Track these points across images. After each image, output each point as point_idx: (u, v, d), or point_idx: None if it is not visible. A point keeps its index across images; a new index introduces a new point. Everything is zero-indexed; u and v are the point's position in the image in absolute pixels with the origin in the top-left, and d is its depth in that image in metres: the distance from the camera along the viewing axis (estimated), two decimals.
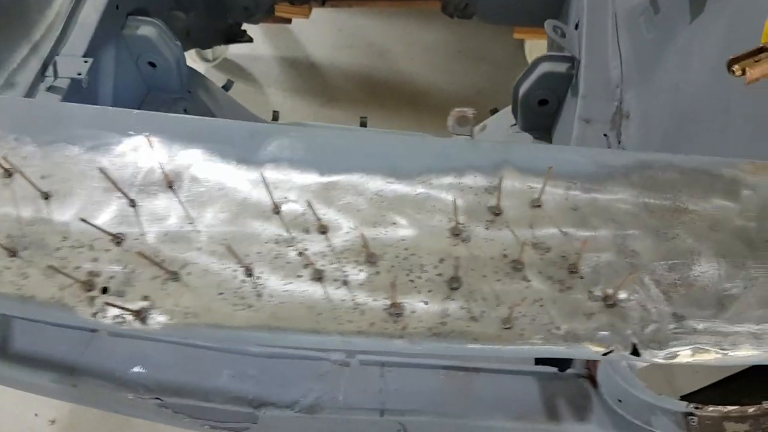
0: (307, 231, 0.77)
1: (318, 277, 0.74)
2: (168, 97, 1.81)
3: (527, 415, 1.03)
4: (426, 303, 0.71)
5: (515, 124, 1.79)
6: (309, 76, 2.90)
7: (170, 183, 0.81)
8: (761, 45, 0.77)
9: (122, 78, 1.67)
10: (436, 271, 0.73)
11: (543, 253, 0.74)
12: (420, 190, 0.79)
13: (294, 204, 0.79)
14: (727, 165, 0.80)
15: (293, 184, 0.80)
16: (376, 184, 0.80)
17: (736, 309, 0.70)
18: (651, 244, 0.74)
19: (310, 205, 0.77)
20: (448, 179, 0.80)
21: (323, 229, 0.76)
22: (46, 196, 0.82)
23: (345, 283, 0.73)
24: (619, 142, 1.53)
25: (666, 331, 0.68)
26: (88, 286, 0.76)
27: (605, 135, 1.47)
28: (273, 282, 0.74)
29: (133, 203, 0.80)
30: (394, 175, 0.80)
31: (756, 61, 0.76)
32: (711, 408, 0.90)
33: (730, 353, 0.67)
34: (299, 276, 0.74)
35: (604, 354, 0.68)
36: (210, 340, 0.73)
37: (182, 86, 1.81)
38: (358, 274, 0.74)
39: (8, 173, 0.84)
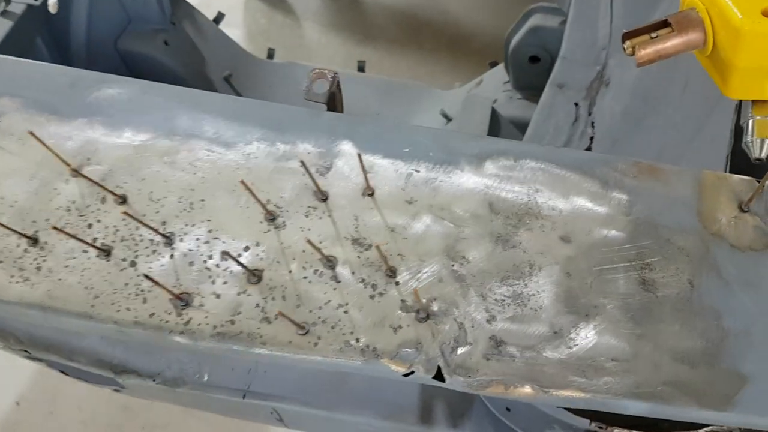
0: (103, 200, 0.67)
1: (105, 253, 0.65)
2: (148, 28, 1.66)
3: (397, 415, 0.95)
4: (218, 296, 0.62)
5: (508, 81, 1.65)
6: (349, 11, 2.73)
7: None
8: (665, 18, 0.63)
9: (99, 4, 1.53)
10: (239, 260, 0.64)
11: (362, 250, 0.64)
12: (241, 162, 0.69)
13: (98, 167, 0.69)
14: (605, 164, 0.68)
15: (101, 144, 0.70)
16: (193, 152, 0.69)
17: (569, 340, 0.60)
18: (486, 251, 0.63)
19: (111, 170, 0.68)
20: (275, 152, 0.69)
21: (121, 199, 0.67)
22: None
23: (133, 264, 0.64)
24: (590, 114, 1.39)
25: (478, 357, 0.59)
26: None
27: (576, 104, 1.33)
28: (56, 255, 0.65)
29: None
30: (217, 142, 0.70)
31: (652, 38, 0.62)
32: (617, 430, 0.81)
33: (553, 392, 0.58)
34: (85, 251, 0.65)
35: (405, 375, 0.59)
36: None
37: (164, 16, 1.65)
38: (149, 255, 0.65)
39: None
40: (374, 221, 0.65)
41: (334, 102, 0.75)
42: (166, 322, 0.62)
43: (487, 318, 0.60)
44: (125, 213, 0.61)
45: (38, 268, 0.65)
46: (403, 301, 0.61)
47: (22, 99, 0.74)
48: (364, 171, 0.66)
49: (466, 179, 0.67)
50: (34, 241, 0.66)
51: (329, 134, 0.70)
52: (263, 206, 0.64)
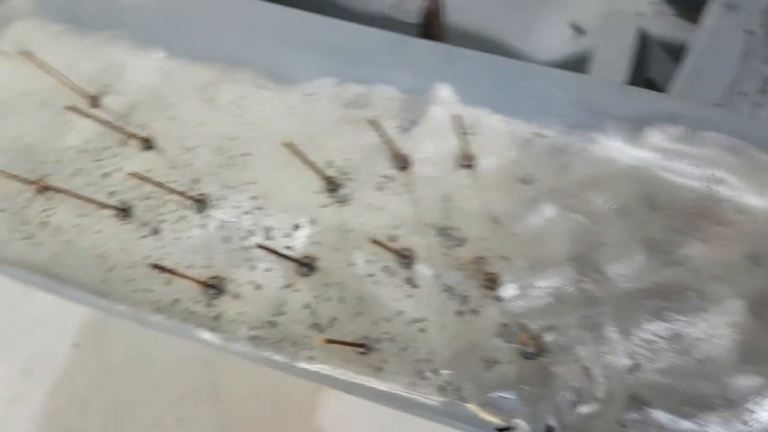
0: (124, 142, 0.52)
1: (124, 213, 0.51)
2: None
3: None
4: (258, 286, 0.48)
5: None
6: None
7: None
8: None
9: None
10: (286, 242, 0.48)
11: (452, 245, 0.46)
12: (298, 105, 0.51)
13: (120, 98, 0.54)
14: None
15: (126, 68, 0.55)
16: (238, 85, 0.52)
17: (748, 413, 0.41)
18: (636, 265, 0.44)
19: (135, 103, 0.52)
20: (344, 93, 0.51)
21: (146, 144, 0.52)
22: None
23: (156, 231, 0.50)
24: None
25: (610, 422, 0.41)
26: None
27: (749, 32, 1.04)
28: (65, 209, 0.52)
29: None
30: (270, 74, 0.52)
31: None
32: None
33: None
34: (100, 206, 0.51)
35: (498, 430, 0.43)
36: None
37: None
38: (176, 221, 0.50)
39: None
40: (471, 205, 0.47)
41: (431, 22, 0.55)
42: (193, 312, 0.48)
43: (629, 366, 0.42)
44: (134, 175, 0.46)
45: (44, 223, 0.52)
46: (504, 325, 0.44)
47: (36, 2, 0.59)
48: (463, 131, 0.47)
49: (614, 154, 0.46)
50: (41, 189, 0.53)
51: (420, 72, 0.51)
52: (321, 174, 0.47)
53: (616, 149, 0.46)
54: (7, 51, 0.58)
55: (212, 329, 0.48)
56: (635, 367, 0.42)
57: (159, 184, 0.47)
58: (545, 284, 0.44)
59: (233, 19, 0.55)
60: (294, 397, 1.91)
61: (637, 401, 0.41)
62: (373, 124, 0.42)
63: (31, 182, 0.52)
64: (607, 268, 0.44)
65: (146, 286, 0.49)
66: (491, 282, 0.45)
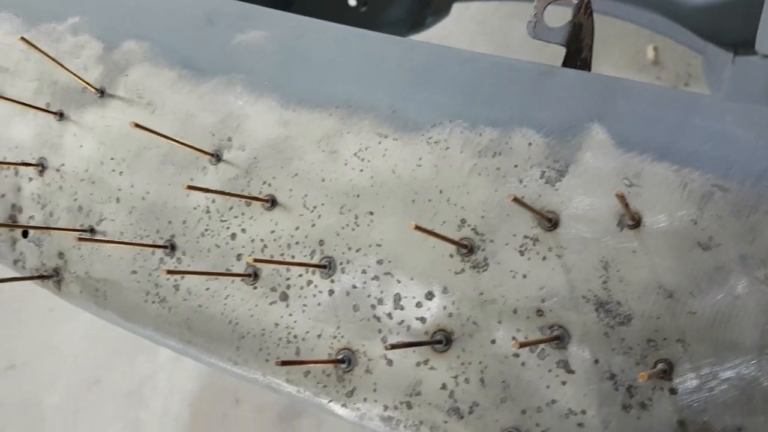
0: (248, 202, 0.51)
1: (252, 277, 0.50)
2: None
3: None
4: (390, 362, 0.45)
5: None
6: None
7: (101, 92, 0.59)
8: None
9: None
10: (418, 312, 0.45)
11: (613, 324, 0.40)
12: (426, 157, 0.46)
13: (241, 153, 0.52)
14: None
15: (245, 119, 0.52)
16: (360, 135, 0.48)
17: None
18: None
19: (257, 159, 0.50)
20: (476, 139, 0.45)
21: (269, 203, 0.50)
22: None
23: (285, 297, 0.49)
24: None
25: None
26: (11, 224, 0.61)
27: None
28: (196, 269, 0.52)
29: (60, 116, 0.60)
30: (394, 120, 0.48)
31: None
32: None
33: None
34: (228, 269, 0.50)
35: None
36: (117, 325, 0.56)
37: None
38: (304, 286, 0.48)
39: None
40: (638, 274, 0.40)
41: (579, 44, 0.47)
42: (325, 386, 0.46)
43: None
44: (255, 260, 0.43)
45: (176, 287, 0.53)
46: (680, 422, 0.38)
47: (150, 44, 0.58)
48: (627, 182, 0.40)
49: None
50: (170, 249, 0.53)
51: (569, 109, 0.44)
52: (452, 242, 0.43)
53: None
54: (123, 98, 0.58)
55: (345, 405, 0.46)
56: None
57: (282, 263, 0.45)
58: (732, 375, 0.37)
59: (352, 58, 0.51)
60: None
61: None
62: (515, 200, 0.37)
63: (160, 246, 0.53)
64: None
65: (277, 355, 0.48)
66: (665, 372, 0.38)
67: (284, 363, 0.41)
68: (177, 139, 0.50)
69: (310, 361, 0.44)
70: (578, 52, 0.49)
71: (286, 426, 1.95)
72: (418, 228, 0.38)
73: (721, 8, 1.00)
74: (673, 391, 0.38)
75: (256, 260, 0.44)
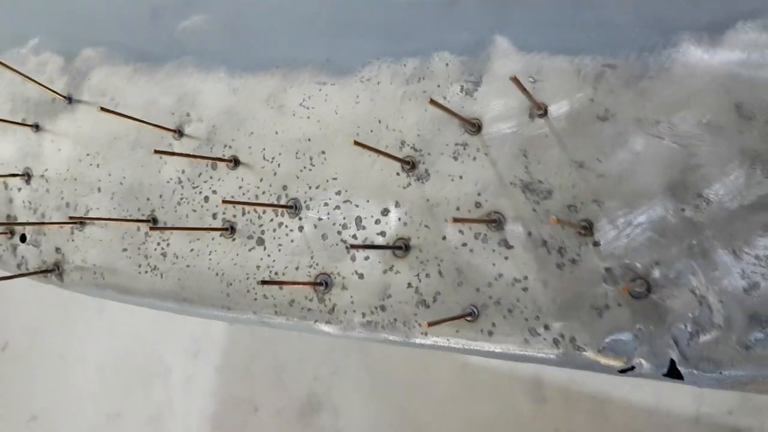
0: (214, 165, 0.57)
1: (229, 231, 0.56)
2: None
3: None
4: (361, 276, 0.51)
5: None
6: None
7: (68, 98, 0.65)
8: None
9: None
10: (378, 228, 0.51)
11: (538, 200, 0.46)
12: (362, 94, 0.53)
13: (200, 125, 0.58)
14: None
15: (198, 94, 0.59)
16: (302, 87, 0.55)
17: None
18: (737, 182, 0.42)
19: (215, 126, 0.57)
20: (401, 70, 0.52)
21: (232, 162, 0.56)
22: None
23: (261, 242, 0.55)
24: None
25: (732, 345, 0.41)
26: (9, 233, 0.67)
27: None
28: (178, 238, 0.58)
29: (36, 128, 0.66)
30: (328, 69, 0.54)
31: None
32: None
33: None
34: (207, 230, 0.57)
35: (621, 371, 0.44)
36: (116, 301, 0.62)
37: None
38: (276, 229, 0.54)
39: None
40: (552, 154, 0.47)
41: None
42: (310, 310, 0.53)
43: (745, 286, 0.41)
44: (224, 201, 0.50)
45: (163, 254, 0.59)
46: (607, 269, 0.44)
47: (105, 47, 0.64)
48: (529, 79, 0.46)
49: (695, 69, 0.44)
50: (153, 221, 0.59)
51: (472, 29, 0.51)
52: (395, 158, 0.49)
53: (696, 63, 0.44)
54: (89, 102, 0.64)
55: (329, 322, 0.52)
56: (752, 287, 0.41)
57: (250, 204, 0.52)
58: (643, 220, 0.44)
59: (288, 20, 0.57)
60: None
61: (759, 320, 0.40)
62: (432, 103, 0.43)
63: (143, 221, 0.59)
64: (706, 191, 0.42)
65: (263, 294, 0.54)
66: (586, 228, 0.45)
67: (264, 282, 0.47)
68: (139, 119, 0.56)
69: (288, 282, 0.50)
70: None
71: (306, 422, 2.01)
72: (357, 143, 0.44)
73: None
74: (596, 244, 0.45)
75: (224, 201, 0.50)
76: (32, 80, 0.62)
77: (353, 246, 0.46)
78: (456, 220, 0.43)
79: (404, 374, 1.93)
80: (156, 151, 0.52)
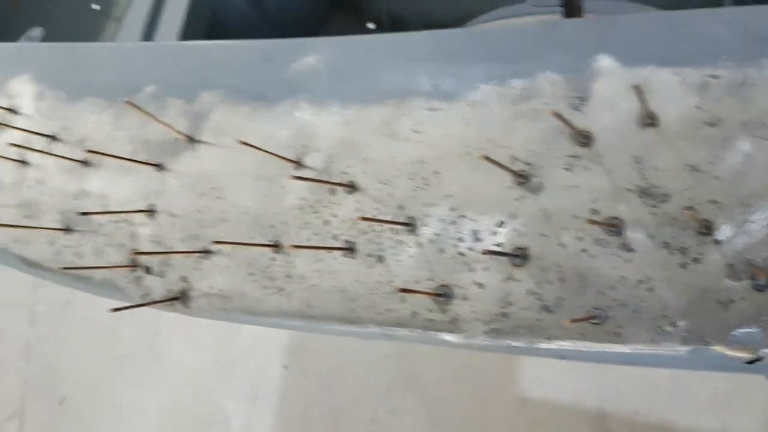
0: (333, 191, 0.62)
1: (350, 251, 0.60)
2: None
3: None
4: (481, 285, 0.54)
5: None
6: None
7: (190, 138, 0.71)
8: None
9: None
10: (494, 240, 0.55)
11: (656, 203, 0.49)
12: (471, 116, 0.57)
13: (317, 155, 0.64)
14: None
15: (314, 127, 0.64)
16: (412, 114, 0.60)
17: None
18: None
19: (332, 156, 0.62)
20: (509, 92, 0.56)
21: (350, 188, 0.61)
22: (86, 164, 0.79)
23: (380, 259, 0.59)
24: None
25: None
26: (133, 265, 0.73)
27: None
28: (303, 259, 0.63)
29: (159, 167, 0.73)
30: (437, 95, 0.59)
31: None
32: None
33: None
34: (329, 251, 0.61)
35: (748, 362, 0.46)
36: (246, 324, 0.67)
37: None
38: (394, 246, 0.58)
39: (54, 138, 0.82)
40: (665, 160, 0.50)
41: (570, 4, 0.58)
42: (432, 321, 0.56)
43: None
44: (362, 218, 0.54)
45: (288, 276, 0.63)
46: (729, 265, 0.46)
47: (222, 90, 0.71)
48: (640, 93, 0.50)
49: None
50: (277, 247, 0.64)
51: (576, 51, 0.55)
52: (508, 169, 0.53)
53: None
54: (210, 141, 0.71)
55: (452, 331, 0.56)
56: None
57: (383, 221, 0.56)
58: (760, 216, 0.46)
59: (392, 55, 0.62)
60: (491, 369, 2.00)
61: None
62: (554, 114, 0.47)
63: (269, 245, 0.64)
64: None
65: (386, 307, 0.58)
66: (706, 228, 0.47)
67: (403, 290, 0.51)
68: (264, 150, 0.62)
69: (417, 290, 0.54)
70: (571, 11, 0.60)
71: None
72: (485, 158, 0.48)
73: None
74: (717, 242, 0.47)
75: (363, 218, 0.54)
76: (160, 121, 0.68)
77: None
78: (590, 221, 0.47)
79: (463, 411, 1.93)
80: (294, 177, 0.57)
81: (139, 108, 0.67)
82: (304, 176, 0.61)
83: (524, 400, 1.79)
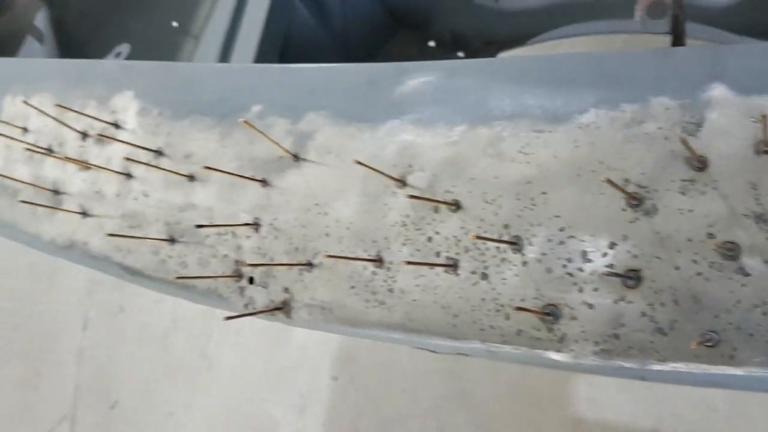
0: (436, 209, 0.64)
1: (453, 267, 0.62)
2: None
3: None
4: (591, 306, 0.55)
5: None
6: None
7: (295, 157, 0.75)
8: None
9: None
10: (605, 261, 0.56)
11: None
12: (581, 138, 0.59)
13: (421, 174, 0.66)
14: None
15: (419, 147, 0.67)
16: (519, 136, 0.61)
17: None
18: None
19: (436, 175, 0.64)
20: (620, 116, 0.57)
21: (454, 206, 0.63)
22: (191, 179, 0.83)
23: (485, 276, 0.61)
24: None
25: None
26: (237, 276, 0.77)
27: None
28: (404, 274, 0.65)
29: (264, 183, 0.77)
30: (545, 118, 0.61)
31: None
32: None
33: None
34: (431, 267, 0.63)
35: None
36: (346, 335, 0.69)
37: None
38: (499, 264, 0.60)
39: (159, 154, 0.87)
40: None
41: (678, 31, 0.59)
42: (538, 339, 0.57)
43: None
44: (477, 237, 0.56)
45: (390, 290, 0.66)
46: None
47: (327, 111, 0.74)
48: (755, 119, 0.50)
49: None
50: (378, 262, 0.67)
51: (688, 78, 0.56)
52: (622, 190, 0.54)
53: None
54: (315, 159, 0.74)
55: (559, 350, 0.57)
56: None
57: (493, 240, 0.58)
58: None
59: (499, 79, 0.64)
60: (543, 389, 1.97)
61: None
62: (682, 141, 0.48)
63: (370, 260, 0.66)
64: None
65: (490, 324, 0.60)
66: None
67: (520, 309, 0.53)
68: (370, 166, 0.65)
69: (530, 309, 0.55)
70: (678, 37, 0.61)
71: None
72: (609, 182, 0.50)
73: (748, 2, 1.10)
74: None
75: (477, 237, 0.56)
76: (271, 140, 0.72)
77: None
78: (715, 246, 0.47)
79: (514, 431, 1.91)
80: (411, 196, 0.60)
81: (254, 127, 0.71)
82: (415, 195, 0.63)
83: (578, 421, 1.76)
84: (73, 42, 1.66)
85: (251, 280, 0.76)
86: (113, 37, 1.58)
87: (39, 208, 1.00)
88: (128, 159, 0.88)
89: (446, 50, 1.70)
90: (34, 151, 0.98)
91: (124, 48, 1.50)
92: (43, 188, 0.99)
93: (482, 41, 1.70)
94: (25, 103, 0.98)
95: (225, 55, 1.28)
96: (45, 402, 3.38)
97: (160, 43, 1.51)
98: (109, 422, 3.02)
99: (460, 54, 1.67)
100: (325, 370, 2.44)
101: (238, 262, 0.78)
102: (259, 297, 0.75)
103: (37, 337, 3.55)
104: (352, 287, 0.68)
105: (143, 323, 3.11)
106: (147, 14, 1.60)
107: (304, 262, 0.72)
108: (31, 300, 3.68)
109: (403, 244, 0.66)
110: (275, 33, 1.31)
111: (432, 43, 1.68)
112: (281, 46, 1.37)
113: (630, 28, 1.32)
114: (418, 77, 0.69)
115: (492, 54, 1.68)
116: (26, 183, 1.02)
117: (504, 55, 1.37)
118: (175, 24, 1.48)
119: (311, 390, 2.44)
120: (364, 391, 2.30)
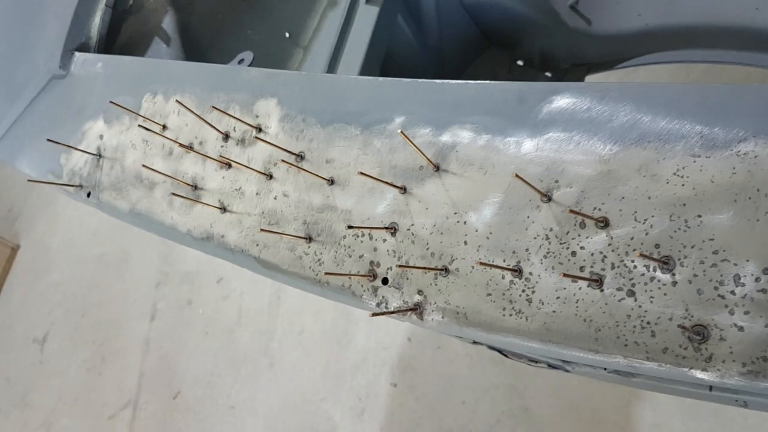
0: (582, 225, 0.67)
1: (597, 283, 0.65)
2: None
3: None
4: (741, 328, 0.57)
5: None
6: None
7: (437, 167, 0.80)
8: None
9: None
10: (758, 285, 0.57)
11: None
12: (739, 166, 0.61)
13: (568, 190, 0.70)
14: None
15: (566, 164, 0.70)
16: (674, 159, 0.64)
17: None
18: None
19: (584, 191, 0.68)
20: None
21: (602, 223, 0.66)
22: (331, 182, 0.90)
23: (631, 293, 0.63)
24: None
25: None
26: (371, 276, 0.82)
27: None
28: (544, 286, 0.68)
29: (403, 190, 0.82)
30: (702, 145, 0.63)
31: None
32: None
33: None
34: (574, 280, 0.66)
35: None
36: (479, 340, 0.73)
37: None
38: (648, 282, 0.63)
39: (301, 157, 0.94)
40: None
41: None
42: (684, 357, 0.59)
43: None
44: (641, 255, 0.59)
45: (529, 300, 0.69)
46: None
47: (472, 125, 0.79)
48: None
49: None
50: (517, 272, 0.70)
51: None
52: None
53: None
54: (456, 171, 0.79)
55: (705, 369, 0.58)
56: None
57: (652, 259, 0.60)
58: None
59: (654, 104, 0.68)
60: (607, 411, 1.93)
61: None
62: None
63: (509, 269, 0.70)
64: None
65: (635, 341, 0.62)
66: None
67: (681, 327, 0.55)
68: (524, 179, 0.69)
69: (687, 327, 0.57)
70: None
71: None
72: None
73: None
74: None
75: (641, 255, 0.59)
76: (419, 150, 0.78)
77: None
78: None
79: None
80: (570, 210, 0.64)
81: (407, 137, 0.77)
82: (574, 210, 0.67)
83: None
84: (196, 46, 1.80)
85: (385, 281, 0.81)
86: (232, 44, 1.70)
87: (177, 200, 1.09)
88: (282, 161, 0.95)
89: (534, 70, 1.74)
90: (181, 146, 1.07)
91: (247, 55, 1.61)
92: (183, 182, 1.08)
93: (571, 63, 1.74)
94: (178, 102, 1.08)
95: (332, 66, 1.36)
96: (109, 388, 3.54)
97: (273, 51, 1.62)
98: (171, 411, 3.13)
99: (548, 74, 1.71)
100: (384, 377, 2.47)
101: (373, 263, 0.83)
102: (392, 298, 0.80)
103: (104, 324, 3.73)
104: (489, 294, 0.72)
105: (210, 318, 3.23)
106: (263, 24, 1.71)
107: (440, 267, 0.76)
108: (99, 289, 3.87)
109: (545, 257, 0.69)
110: (379, 47, 1.38)
111: (520, 62, 1.73)
112: (384, 59, 1.44)
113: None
114: (568, 96, 0.73)
115: (581, 76, 1.71)
116: (166, 175, 1.12)
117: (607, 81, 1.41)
118: (287, 35, 1.58)
119: (370, 395, 2.47)
120: (423, 400, 2.32)
